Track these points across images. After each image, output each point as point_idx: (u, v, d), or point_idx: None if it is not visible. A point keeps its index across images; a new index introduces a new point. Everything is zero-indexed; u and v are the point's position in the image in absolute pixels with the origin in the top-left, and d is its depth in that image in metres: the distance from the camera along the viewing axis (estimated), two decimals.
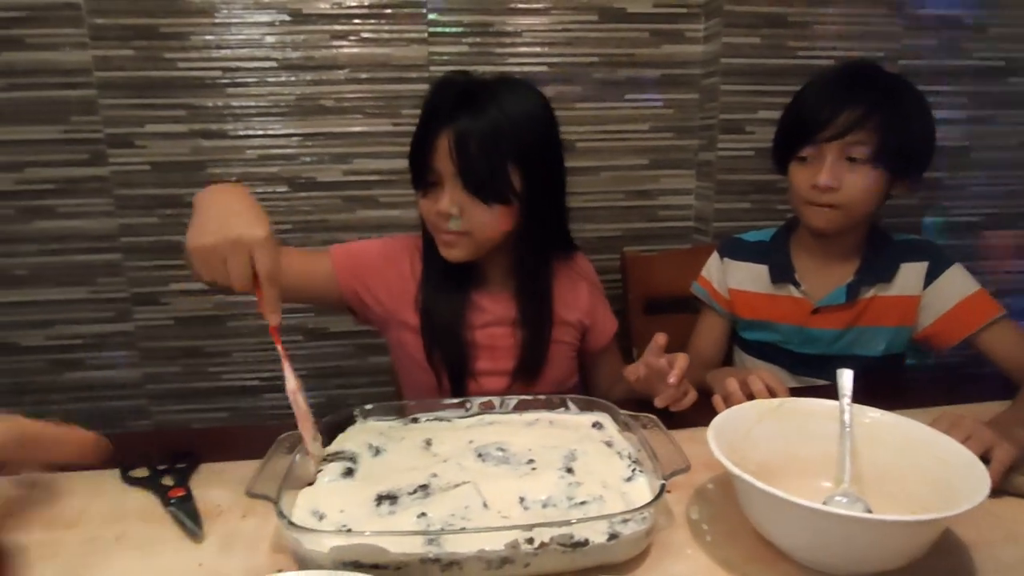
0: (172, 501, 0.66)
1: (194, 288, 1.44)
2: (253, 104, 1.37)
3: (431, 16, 1.37)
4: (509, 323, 0.97)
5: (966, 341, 1.01)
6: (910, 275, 1.04)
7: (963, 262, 1.05)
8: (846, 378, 0.70)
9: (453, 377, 0.96)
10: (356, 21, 1.36)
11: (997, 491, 0.65)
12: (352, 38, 1.36)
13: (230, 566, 0.58)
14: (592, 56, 1.42)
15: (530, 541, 0.54)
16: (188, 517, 0.63)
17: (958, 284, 1.02)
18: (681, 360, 0.81)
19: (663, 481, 0.60)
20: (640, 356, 0.86)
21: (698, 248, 1.47)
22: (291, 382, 0.66)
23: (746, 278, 1.13)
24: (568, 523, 0.55)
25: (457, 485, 0.63)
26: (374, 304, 0.98)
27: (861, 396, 0.69)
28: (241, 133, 1.38)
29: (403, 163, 0.92)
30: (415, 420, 0.79)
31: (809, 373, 1.08)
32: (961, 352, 1.03)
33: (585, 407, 0.80)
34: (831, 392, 0.70)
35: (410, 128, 0.90)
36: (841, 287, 1.04)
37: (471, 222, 0.88)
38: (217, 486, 0.70)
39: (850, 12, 1.38)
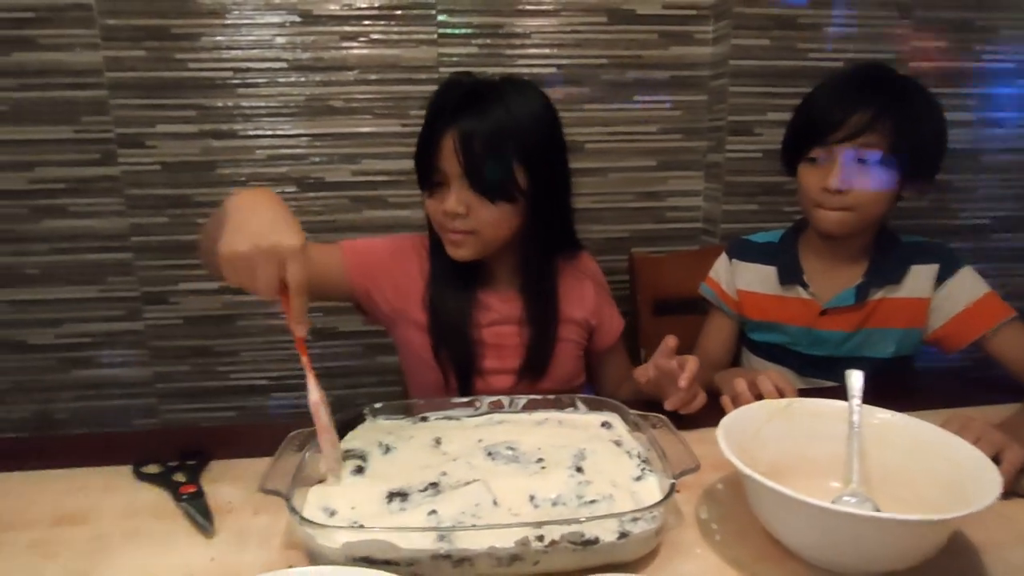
0: (184, 497, 0.66)
1: (203, 288, 1.45)
2: (263, 105, 1.38)
3: (440, 18, 1.38)
4: (515, 321, 0.98)
5: (976, 344, 1.01)
6: (920, 277, 1.04)
7: (973, 264, 1.05)
8: (855, 379, 0.70)
9: (460, 375, 0.96)
10: (366, 22, 1.36)
11: (1007, 493, 0.65)
12: (362, 39, 1.37)
13: (243, 561, 0.58)
14: (601, 57, 1.43)
15: (540, 539, 0.54)
16: (199, 513, 0.64)
17: (968, 286, 1.02)
18: (691, 363, 0.81)
19: (672, 480, 0.60)
20: (649, 357, 0.86)
21: (706, 249, 1.47)
22: (314, 394, 0.66)
23: (754, 279, 1.13)
24: (578, 521, 0.55)
25: (467, 483, 0.63)
26: (382, 302, 0.98)
27: (870, 397, 0.69)
28: (251, 133, 1.39)
29: (411, 164, 0.92)
30: (424, 419, 0.79)
31: (818, 375, 1.07)
32: (971, 354, 1.02)
33: (594, 407, 0.80)
34: (840, 393, 0.70)
35: (418, 129, 0.91)
36: (850, 289, 1.04)
37: (477, 221, 0.88)
38: (228, 483, 0.71)
39: (860, 14, 1.37)
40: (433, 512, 0.59)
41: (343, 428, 0.74)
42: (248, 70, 1.36)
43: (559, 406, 0.81)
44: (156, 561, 0.59)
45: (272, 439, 0.67)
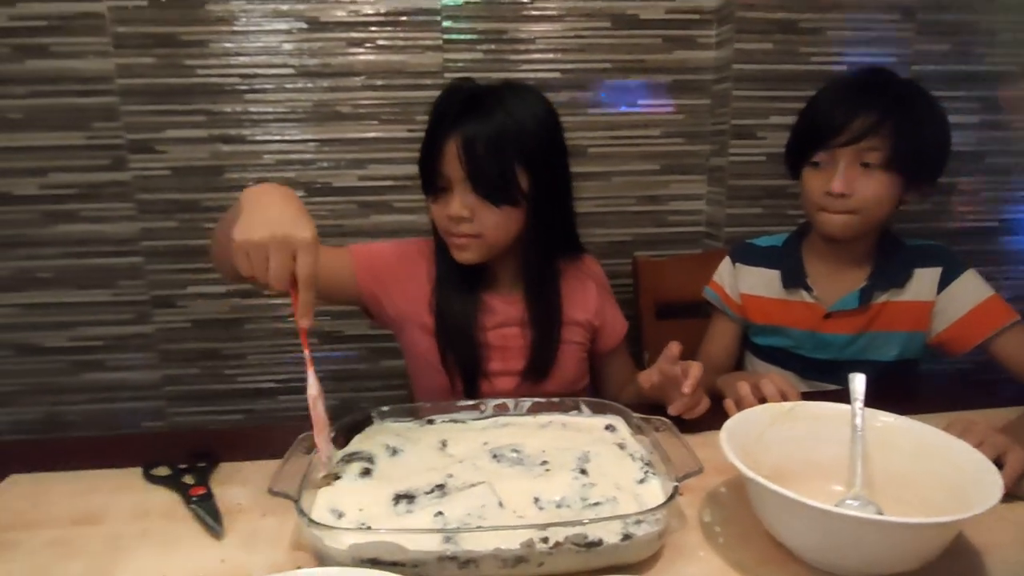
0: (193, 499, 0.67)
1: (211, 291, 1.46)
2: (271, 110, 1.39)
3: (446, 23, 1.39)
4: (519, 323, 0.99)
5: (980, 347, 1.01)
6: (924, 280, 1.04)
7: (978, 267, 1.05)
8: (858, 382, 0.70)
9: (466, 378, 0.97)
10: (372, 29, 1.38)
11: (1010, 496, 0.65)
12: (368, 45, 1.39)
13: (251, 563, 0.59)
14: (605, 62, 1.44)
15: (545, 540, 0.55)
16: (209, 515, 0.65)
17: (972, 289, 1.02)
18: (695, 369, 0.82)
19: (676, 483, 0.60)
20: (652, 361, 0.86)
21: (709, 253, 1.48)
22: (313, 387, 0.67)
23: (758, 283, 1.13)
24: (582, 523, 0.56)
25: (473, 485, 0.64)
26: (389, 306, 0.99)
27: (873, 401, 0.69)
28: (259, 139, 1.40)
29: (418, 168, 0.93)
30: (430, 422, 0.80)
31: (821, 378, 1.08)
32: (975, 357, 1.02)
33: (598, 410, 0.81)
34: (843, 396, 0.70)
35: (424, 134, 0.92)
36: (854, 292, 1.04)
37: (482, 224, 0.90)
38: (237, 485, 0.72)
39: (862, 17, 1.38)
40: (439, 514, 0.59)
41: (351, 431, 0.75)
42: (256, 76, 1.37)
43: (563, 409, 0.82)
44: (166, 562, 0.60)
45: (280, 441, 0.68)
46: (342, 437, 0.73)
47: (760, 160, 1.42)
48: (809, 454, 0.69)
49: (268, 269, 0.62)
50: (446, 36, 1.39)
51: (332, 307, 1.46)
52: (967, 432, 0.67)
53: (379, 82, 1.40)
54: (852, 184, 0.96)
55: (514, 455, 0.71)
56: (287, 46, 1.37)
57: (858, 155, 0.95)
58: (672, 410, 0.83)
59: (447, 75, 1.40)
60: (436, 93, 0.93)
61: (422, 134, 0.92)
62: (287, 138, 1.41)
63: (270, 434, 0.78)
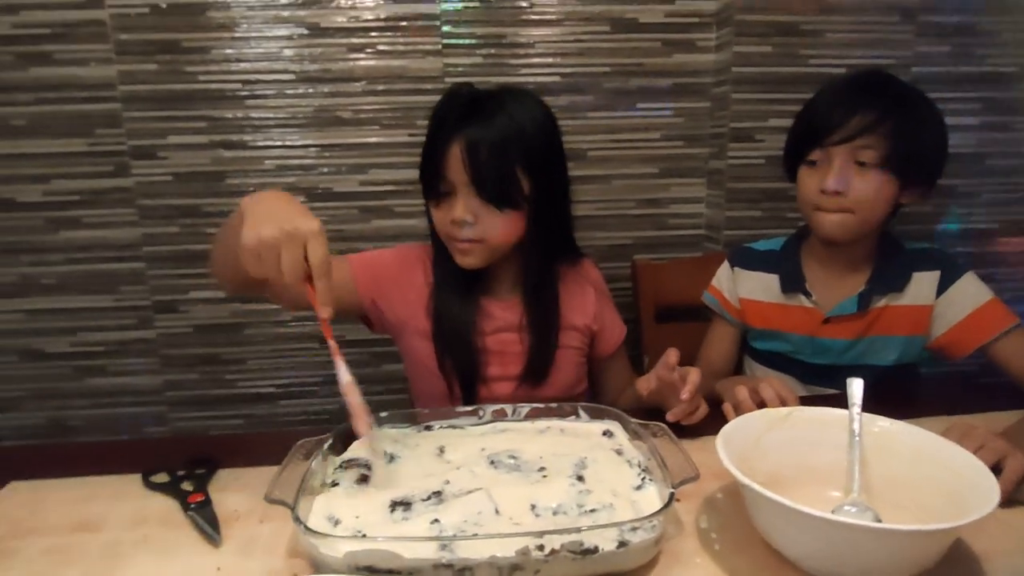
0: (191, 506, 0.68)
1: (213, 296, 1.47)
2: (272, 116, 1.40)
3: (445, 28, 1.39)
4: (518, 329, 0.99)
5: (980, 350, 1.00)
6: (923, 284, 1.04)
7: (977, 270, 1.04)
8: (856, 387, 0.70)
9: (464, 383, 0.97)
10: (372, 34, 1.38)
11: (1010, 501, 0.65)
12: (368, 51, 1.39)
13: (248, 570, 0.60)
14: (604, 66, 1.44)
15: (540, 548, 0.55)
16: (207, 522, 0.65)
17: (971, 293, 1.02)
18: (693, 375, 0.82)
19: (672, 490, 0.60)
20: (651, 365, 0.86)
21: (709, 256, 1.48)
22: (345, 375, 0.68)
23: (757, 287, 1.13)
24: (578, 530, 0.56)
25: (470, 492, 0.64)
26: (388, 312, 1.00)
27: (873, 405, 0.69)
28: (260, 144, 1.41)
29: (418, 174, 0.94)
30: (428, 428, 0.81)
31: (820, 383, 1.08)
32: (974, 361, 1.02)
33: (596, 415, 0.81)
34: (841, 401, 0.70)
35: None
36: (852, 297, 1.04)
37: (485, 229, 0.90)
38: (235, 491, 0.72)
39: (862, 20, 1.37)
40: (436, 521, 0.60)
41: (348, 437, 0.75)
42: (257, 82, 1.38)
43: (561, 414, 0.82)
44: (163, 570, 0.60)
45: (279, 448, 0.69)
46: (339, 444, 0.73)
47: (759, 163, 1.42)
48: (806, 459, 0.68)
49: (280, 266, 0.63)
50: (446, 41, 1.40)
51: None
52: (966, 437, 0.67)
53: (379, 87, 1.41)
54: (847, 182, 0.95)
55: (511, 461, 0.71)
56: (288, 52, 1.37)
57: (853, 153, 0.95)
58: (670, 416, 0.83)
59: (447, 79, 1.41)
60: (436, 97, 0.93)
61: (423, 139, 0.92)
62: (288, 143, 1.41)
63: (270, 440, 0.78)
